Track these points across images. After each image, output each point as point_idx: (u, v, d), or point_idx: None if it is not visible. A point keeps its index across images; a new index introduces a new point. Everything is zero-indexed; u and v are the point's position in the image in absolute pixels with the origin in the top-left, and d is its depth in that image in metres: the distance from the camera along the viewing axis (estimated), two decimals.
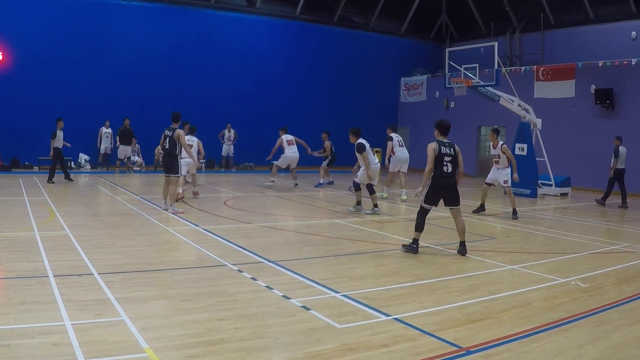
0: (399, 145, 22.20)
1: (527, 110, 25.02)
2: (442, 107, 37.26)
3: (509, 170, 18.66)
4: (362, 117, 34.79)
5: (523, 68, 32.81)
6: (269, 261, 10.35)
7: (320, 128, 31.47)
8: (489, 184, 19.27)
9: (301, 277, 9.30)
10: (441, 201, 12.06)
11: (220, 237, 12.54)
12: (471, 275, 10.05)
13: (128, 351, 6.00)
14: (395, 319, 7.39)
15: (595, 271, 10.68)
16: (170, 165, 16.29)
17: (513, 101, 24.85)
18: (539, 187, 24.55)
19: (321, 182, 25.22)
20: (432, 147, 11.76)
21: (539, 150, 24.84)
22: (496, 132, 19.09)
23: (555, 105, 30.35)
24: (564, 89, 30.35)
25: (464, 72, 24.85)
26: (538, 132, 25.20)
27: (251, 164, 33.18)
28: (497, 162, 18.88)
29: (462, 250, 11.83)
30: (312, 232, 13.99)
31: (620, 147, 22.21)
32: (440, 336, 6.79)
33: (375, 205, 17.62)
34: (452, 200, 11.98)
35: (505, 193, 20.55)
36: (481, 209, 19.00)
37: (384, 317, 7.43)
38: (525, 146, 24.20)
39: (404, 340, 6.65)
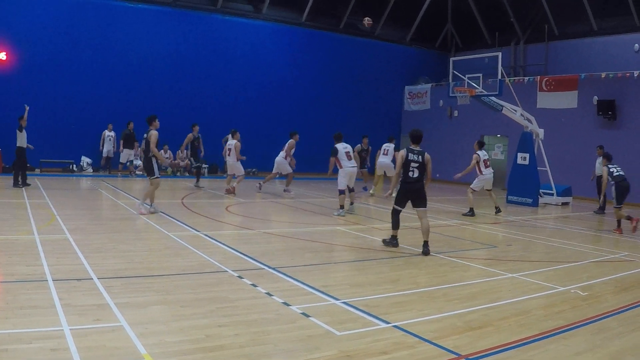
0: (383, 154, 24.46)
1: (529, 120, 25.06)
2: (445, 115, 37.32)
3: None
4: (366, 124, 34.84)
5: (526, 78, 32.85)
6: (270, 267, 10.34)
7: (324, 134, 31.51)
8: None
9: (301, 284, 9.29)
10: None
11: (221, 243, 12.53)
12: (471, 283, 10.06)
13: (126, 357, 5.98)
14: (395, 326, 7.38)
15: (594, 280, 10.70)
16: (145, 167, 16.61)
17: (516, 111, 24.89)
18: (541, 197, 24.57)
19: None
20: (400, 154, 12.94)
21: (541, 159, 24.88)
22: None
23: (557, 116, 30.39)
24: (567, 100, 30.41)
25: (467, 82, 24.89)
26: (540, 142, 25.23)
27: (254, 169, 33.14)
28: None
29: (426, 250, 12.56)
30: (313, 238, 13.98)
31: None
32: (439, 344, 6.78)
33: (341, 207, 18.58)
34: (419, 202, 12.94)
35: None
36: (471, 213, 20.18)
37: (383, 325, 7.41)
38: (527, 156, 24.24)
39: (404, 348, 6.64)
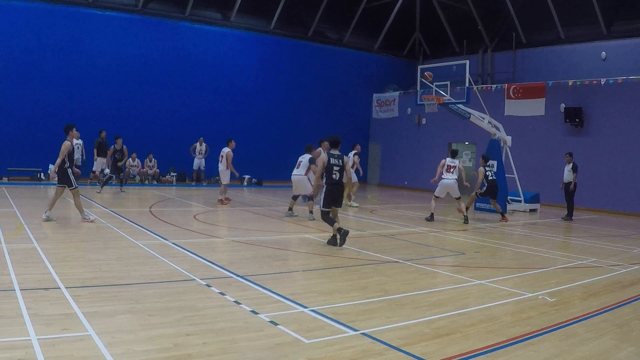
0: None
1: (497, 128, 25.19)
2: (413, 123, 37.46)
3: None
4: (334, 132, 34.37)
5: (494, 86, 33.08)
6: (238, 276, 10.32)
7: (292, 142, 31.57)
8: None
9: (269, 292, 9.27)
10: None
11: (189, 252, 12.49)
12: (439, 290, 10.10)
13: None
14: (363, 333, 7.38)
15: (562, 286, 10.77)
16: (61, 179, 16.20)
17: (484, 119, 25.00)
18: (509, 203, 24.72)
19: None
20: (322, 158, 14.20)
21: (509, 167, 25.04)
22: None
23: (525, 123, 30.61)
24: (534, 107, 30.64)
25: (435, 89, 24.95)
26: (508, 149, 25.37)
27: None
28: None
29: (333, 241, 14.10)
30: (281, 246, 13.98)
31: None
32: (407, 351, 6.79)
33: (310, 212, 19.72)
34: (337, 202, 14.36)
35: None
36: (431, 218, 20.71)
37: (352, 332, 7.41)
38: (495, 163, 24.33)
39: (372, 355, 6.65)
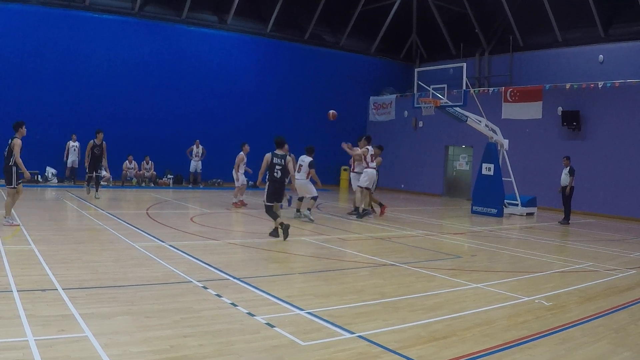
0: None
1: (494, 131, 25.24)
2: (410, 126, 37.47)
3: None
4: (331, 135, 34.85)
5: (491, 89, 33.07)
6: (234, 278, 10.32)
7: (289, 144, 31.56)
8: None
9: (266, 295, 9.28)
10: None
11: (186, 254, 12.49)
12: (436, 294, 10.08)
13: None
14: (360, 336, 7.38)
15: (559, 290, 10.77)
16: (5, 175, 15.87)
17: (480, 122, 25.04)
18: (505, 207, 24.75)
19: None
20: (266, 157, 15.64)
21: (506, 170, 25.04)
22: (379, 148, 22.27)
23: (522, 127, 30.62)
24: (531, 111, 30.65)
25: (432, 92, 24.98)
26: (505, 152, 25.40)
27: (219, 180, 33.10)
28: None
29: (276, 233, 15.27)
30: (278, 249, 13.98)
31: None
32: (403, 354, 6.80)
33: (298, 210, 20.31)
34: (278, 198, 15.67)
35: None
36: (357, 211, 21.30)
37: (348, 335, 7.42)
38: (492, 166, 24.39)
39: (368, 358, 6.66)
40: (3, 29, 28.41)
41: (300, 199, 20.32)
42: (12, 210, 15.51)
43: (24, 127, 16.03)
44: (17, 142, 15.62)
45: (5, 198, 15.88)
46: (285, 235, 14.87)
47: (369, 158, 20.94)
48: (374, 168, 21.17)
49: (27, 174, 16.24)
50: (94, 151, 22.65)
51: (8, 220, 15.13)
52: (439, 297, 9.89)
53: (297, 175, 19.62)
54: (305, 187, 19.72)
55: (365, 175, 20.95)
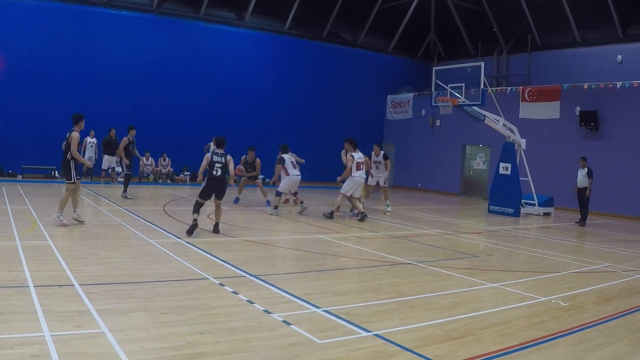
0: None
1: (511, 130, 25.13)
2: (427, 125, 37.37)
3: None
4: (348, 132, 34.52)
5: (509, 88, 32.96)
6: (251, 275, 10.32)
7: (307, 143, 31.60)
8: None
9: (283, 292, 9.28)
10: None
11: (203, 250, 12.50)
12: (452, 293, 10.05)
13: None
14: (376, 335, 7.37)
15: (575, 290, 10.73)
16: (67, 171, 15.36)
17: (498, 121, 24.95)
18: (522, 207, 24.64)
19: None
20: (207, 156, 15.64)
21: (523, 170, 24.93)
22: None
23: (540, 126, 30.50)
24: (549, 110, 30.52)
25: (450, 91, 24.94)
26: (522, 152, 25.30)
27: (236, 177, 33.15)
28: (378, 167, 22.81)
29: (216, 229, 15.45)
30: (294, 247, 13.98)
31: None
32: (420, 353, 6.78)
33: (276, 207, 20.67)
34: (219, 195, 15.43)
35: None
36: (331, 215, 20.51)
37: (364, 333, 7.41)
38: (509, 166, 24.30)
39: (384, 357, 6.65)
40: (21, 25, 28.51)
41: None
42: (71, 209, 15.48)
43: (83, 120, 15.71)
44: (75, 136, 15.25)
45: (64, 193, 15.53)
46: (190, 233, 14.59)
47: (354, 166, 20.46)
48: (360, 177, 20.70)
49: (87, 163, 16.73)
50: (129, 148, 22.37)
51: (59, 216, 14.95)
52: (456, 296, 9.86)
53: (296, 172, 21.18)
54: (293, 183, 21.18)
55: (349, 183, 20.49)
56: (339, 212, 21.33)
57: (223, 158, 15.39)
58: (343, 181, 20.40)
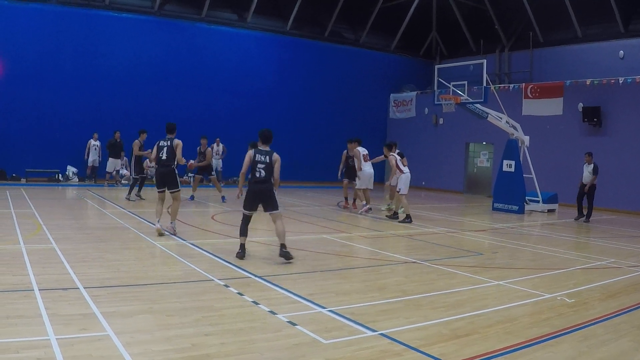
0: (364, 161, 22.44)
1: (515, 128, 25.10)
2: (430, 123, 37.37)
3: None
4: (351, 132, 34.66)
5: (512, 86, 32.96)
6: (256, 276, 10.33)
7: (309, 143, 31.61)
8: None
9: (288, 293, 9.28)
10: None
11: (207, 252, 12.51)
12: (457, 291, 10.05)
13: None
14: (382, 334, 7.38)
15: (581, 287, 10.71)
16: (168, 179, 15.04)
17: (501, 118, 24.92)
18: (527, 204, 24.59)
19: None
20: (248, 154, 12.67)
21: (527, 167, 24.90)
22: (389, 146, 20.91)
23: (543, 123, 30.47)
24: (552, 107, 30.50)
25: (452, 89, 24.90)
26: (526, 149, 25.27)
27: (236, 178, 33.19)
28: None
29: (284, 252, 12.12)
30: (299, 247, 13.96)
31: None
32: (426, 351, 6.78)
33: None
34: (269, 205, 12.44)
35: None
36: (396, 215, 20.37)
37: (370, 333, 7.41)
38: (513, 163, 24.27)
39: (390, 356, 6.65)
40: (23, 28, 28.57)
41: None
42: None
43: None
44: (180, 142, 15.16)
45: (174, 203, 15.16)
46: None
47: (362, 159, 20.93)
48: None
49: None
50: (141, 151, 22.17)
51: (173, 225, 14.82)
52: (461, 294, 9.86)
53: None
54: None
55: (366, 177, 21.10)
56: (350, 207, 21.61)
57: (268, 157, 12.63)
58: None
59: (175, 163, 14.91)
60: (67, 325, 7.03)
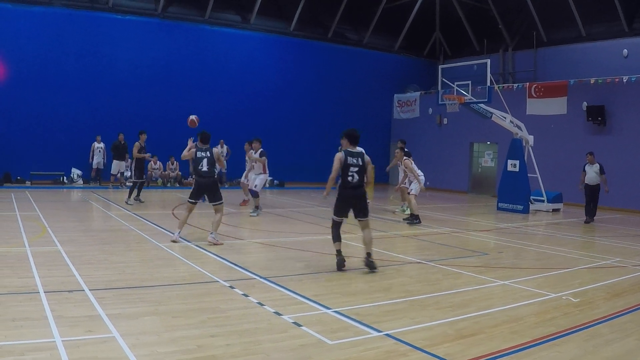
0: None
1: (519, 127, 25.08)
2: (435, 123, 37.35)
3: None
4: None
5: (515, 85, 32.94)
6: (261, 277, 10.33)
7: (313, 143, 31.60)
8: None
9: (293, 294, 9.29)
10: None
11: (212, 254, 12.52)
12: (463, 291, 10.05)
13: None
14: (387, 334, 7.38)
15: (586, 286, 10.70)
16: (211, 190, 14.57)
17: (505, 118, 24.90)
18: (531, 203, 24.58)
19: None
20: (338, 157, 11.65)
21: (531, 166, 24.89)
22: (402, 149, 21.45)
23: (547, 122, 30.44)
24: (556, 106, 30.46)
25: (456, 89, 24.88)
26: (530, 148, 25.25)
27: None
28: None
29: (369, 262, 11.50)
30: (304, 248, 13.97)
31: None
32: (431, 352, 6.78)
33: (257, 207, 20.17)
34: (361, 212, 11.82)
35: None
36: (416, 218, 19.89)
37: (375, 333, 7.42)
38: (517, 162, 24.26)
39: (396, 356, 6.65)
40: (27, 31, 28.60)
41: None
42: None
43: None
44: (217, 151, 15.15)
45: (217, 215, 14.52)
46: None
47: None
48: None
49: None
50: (142, 153, 21.94)
51: (215, 236, 14.19)
52: (466, 294, 9.86)
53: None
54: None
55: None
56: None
57: (360, 159, 11.68)
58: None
59: (216, 173, 14.73)
60: (72, 327, 7.05)
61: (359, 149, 11.83)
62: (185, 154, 14.91)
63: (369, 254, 11.57)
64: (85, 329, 7.02)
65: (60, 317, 7.41)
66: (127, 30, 31.22)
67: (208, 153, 14.32)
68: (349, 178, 11.50)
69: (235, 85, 34.17)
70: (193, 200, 14.41)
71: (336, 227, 11.89)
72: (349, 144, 11.80)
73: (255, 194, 20.25)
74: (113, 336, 6.82)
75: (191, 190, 14.69)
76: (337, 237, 11.82)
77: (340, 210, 11.81)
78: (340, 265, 11.48)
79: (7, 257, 11.26)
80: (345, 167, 11.48)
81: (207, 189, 14.41)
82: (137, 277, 10.09)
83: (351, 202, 11.69)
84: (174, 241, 13.94)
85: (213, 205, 14.54)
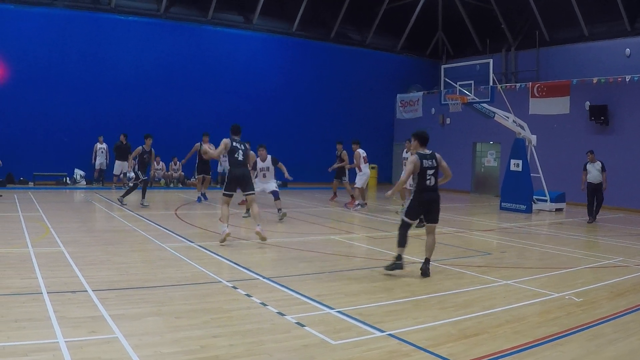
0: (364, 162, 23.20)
1: (522, 127, 25.07)
2: (437, 123, 37.31)
3: None
4: (358, 133, 34.64)
5: (518, 85, 32.93)
6: (264, 278, 10.33)
7: (316, 144, 31.57)
8: None
9: (296, 294, 9.28)
10: None
11: (215, 254, 12.52)
12: (466, 291, 10.04)
13: None
14: (390, 334, 7.37)
15: (589, 285, 10.68)
16: (246, 180, 14.64)
17: (508, 117, 24.89)
18: (534, 203, 24.56)
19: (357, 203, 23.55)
20: (413, 160, 11.26)
21: (534, 166, 24.88)
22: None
23: (550, 122, 30.42)
24: (559, 106, 30.46)
25: (459, 89, 24.89)
26: (533, 148, 25.23)
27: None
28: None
29: (425, 268, 11.27)
30: (307, 248, 13.97)
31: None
32: (434, 352, 6.77)
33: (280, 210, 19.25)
34: (432, 217, 11.64)
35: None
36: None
37: (378, 333, 7.41)
38: (520, 162, 24.25)
39: (399, 356, 6.65)
40: (29, 32, 28.61)
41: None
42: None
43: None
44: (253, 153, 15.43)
45: (253, 205, 14.80)
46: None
47: (362, 161, 22.76)
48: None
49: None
50: (144, 157, 21.62)
51: (261, 227, 14.27)
52: (469, 294, 9.85)
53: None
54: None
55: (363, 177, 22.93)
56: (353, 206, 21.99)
57: (434, 160, 11.46)
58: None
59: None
60: (75, 328, 7.05)
61: (428, 150, 11.55)
62: (221, 148, 14.95)
63: (427, 260, 11.38)
64: (88, 330, 7.02)
65: (63, 318, 7.41)
66: (129, 31, 31.24)
67: (242, 146, 14.61)
68: (427, 182, 11.30)
69: (237, 86, 34.18)
70: (229, 193, 14.38)
71: (404, 229, 11.55)
72: (420, 145, 11.57)
73: (276, 195, 19.61)
74: (116, 337, 6.82)
75: (225, 183, 14.67)
76: (403, 242, 11.46)
77: (416, 213, 11.59)
78: (395, 268, 11.18)
79: (10, 257, 11.26)
80: (422, 171, 11.21)
81: (242, 179, 14.41)
82: (140, 277, 10.09)
83: (428, 205, 11.47)
84: (227, 234, 13.85)
85: (246, 195, 14.85)
